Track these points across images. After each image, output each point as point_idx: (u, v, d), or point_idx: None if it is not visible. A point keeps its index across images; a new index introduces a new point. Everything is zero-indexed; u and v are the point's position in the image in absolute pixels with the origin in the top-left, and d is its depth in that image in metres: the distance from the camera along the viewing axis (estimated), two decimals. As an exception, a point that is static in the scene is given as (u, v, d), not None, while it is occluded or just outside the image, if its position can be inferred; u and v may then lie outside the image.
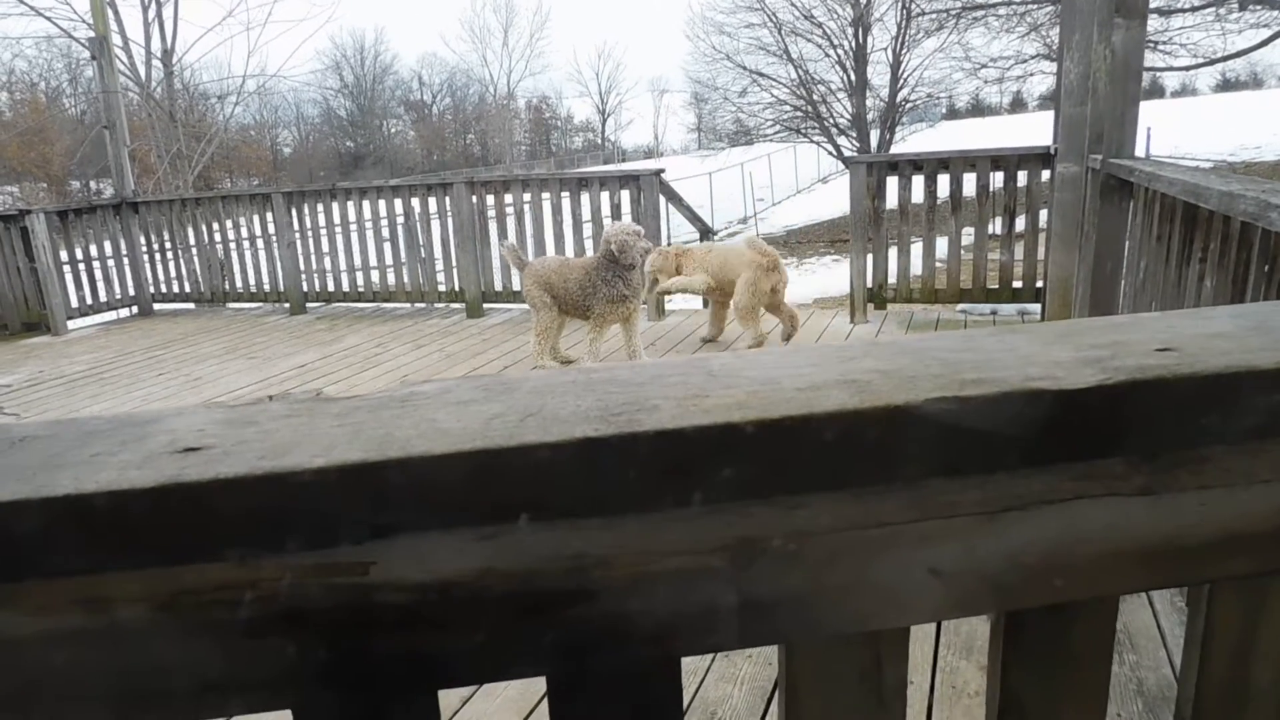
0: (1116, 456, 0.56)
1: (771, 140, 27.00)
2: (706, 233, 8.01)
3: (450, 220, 7.64)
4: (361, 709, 0.56)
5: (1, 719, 0.51)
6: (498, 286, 7.65)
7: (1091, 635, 0.64)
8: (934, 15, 22.35)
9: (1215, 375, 0.54)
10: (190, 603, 0.50)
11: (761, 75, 25.23)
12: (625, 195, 7.09)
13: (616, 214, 7.13)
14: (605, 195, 7.15)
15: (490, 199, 7.57)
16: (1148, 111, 4.20)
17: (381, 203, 8.00)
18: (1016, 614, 0.62)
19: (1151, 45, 17.20)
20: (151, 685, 0.51)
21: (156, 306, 9.19)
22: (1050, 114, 5.88)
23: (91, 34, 9.39)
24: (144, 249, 9.10)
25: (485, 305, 7.67)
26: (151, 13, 19.07)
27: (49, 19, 17.47)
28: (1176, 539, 0.59)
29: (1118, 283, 3.99)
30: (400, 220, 7.93)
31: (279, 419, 0.55)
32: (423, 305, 8.06)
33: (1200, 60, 18.56)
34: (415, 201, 7.87)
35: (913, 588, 0.57)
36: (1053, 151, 5.49)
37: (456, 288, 7.77)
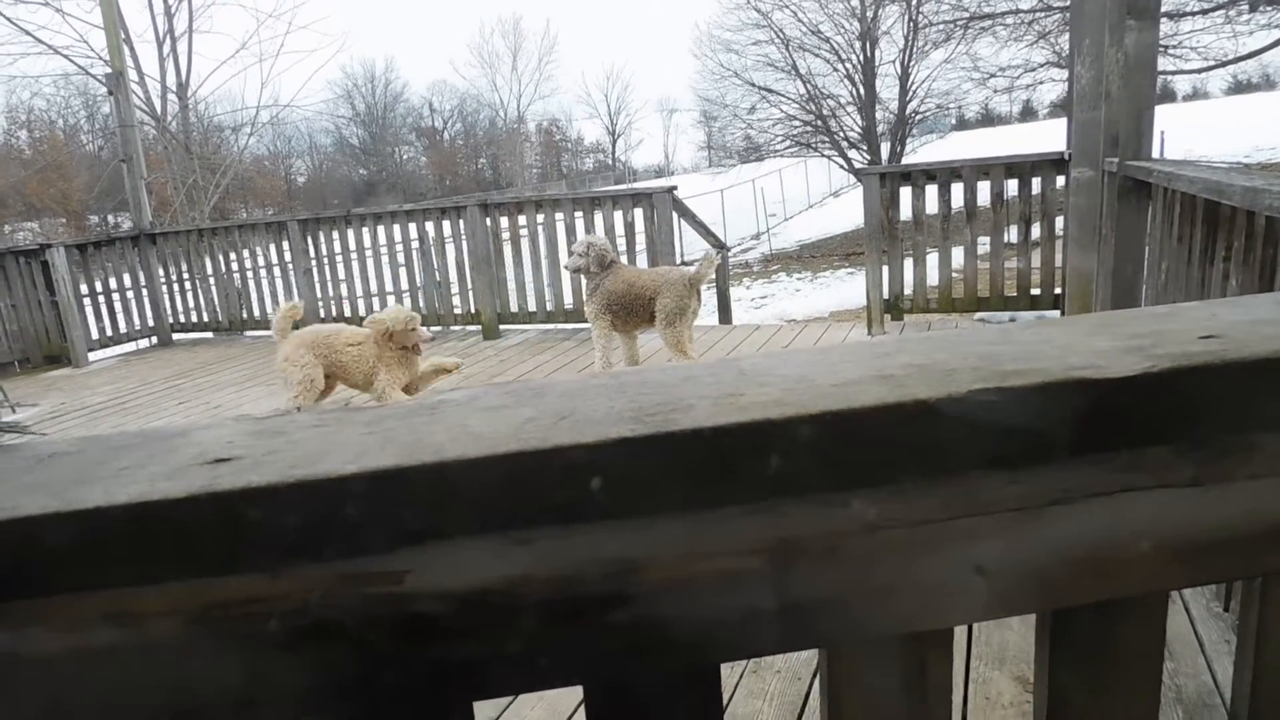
0: (1164, 446, 0.55)
1: (782, 155, 27.05)
2: (720, 248, 8.00)
3: (465, 243, 7.67)
4: (397, 722, 0.55)
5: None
6: (514, 308, 7.68)
7: (1141, 632, 0.62)
8: (941, 27, 22.38)
9: (1264, 360, 0.53)
10: (222, 615, 0.49)
11: (770, 91, 25.30)
12: (638, 213, 7.10)
13: (630, 232, 7.15)
14: (619, 214, 7.17)
15: (504, 221, 7.60)
16: (1159, 116, 4.16)
17: (396, 228, 8.04)
18: (1064, 612, 0.61)
19: (1162, 49, 17.10)
20: (185, 701, 0.50)
21: (175, 336, 9.26)
22: (1061, 121, 5.86)
23: (108, 70, 9.51)
24: (162, 280, 9.18)
25: (501, 327, 7.69)
26: (166, 48, 19.35)
27: (67, 57, 17.72)
28: (1227, 531, 0.57)
29: (1139, 285, 3.96)
30: (415, 244, 7.97)
31: (307, 429, 0.55)
32: (439, 328, 8.08)
33: (1211, 63, 18.46)
34: (429, 225, 7.91)
35: (957, 586, 0.55)
36: (1067, 157, 5.47)
37: (473, 310, 7.80)
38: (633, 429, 0.49)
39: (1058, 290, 5.89)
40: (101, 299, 8.86)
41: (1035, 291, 6.06)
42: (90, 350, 8.54)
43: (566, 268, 5.91)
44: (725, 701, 2.24)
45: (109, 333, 8.88)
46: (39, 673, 0.48)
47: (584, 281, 5.82)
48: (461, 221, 7.66)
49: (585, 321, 5.86)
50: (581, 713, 0.58)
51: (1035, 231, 5.99)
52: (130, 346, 9.05)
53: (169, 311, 9.24)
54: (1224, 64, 18.63)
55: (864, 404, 0.50)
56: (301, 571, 0.49)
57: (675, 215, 7.14)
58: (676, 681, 0.57)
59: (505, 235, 7.61)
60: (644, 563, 0.51)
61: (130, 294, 9.05)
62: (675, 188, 7.15)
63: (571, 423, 0.51)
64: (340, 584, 0.49)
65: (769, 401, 0.52)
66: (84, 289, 8.68)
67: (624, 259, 7.08)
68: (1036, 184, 5.92)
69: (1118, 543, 0.56)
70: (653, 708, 0.58)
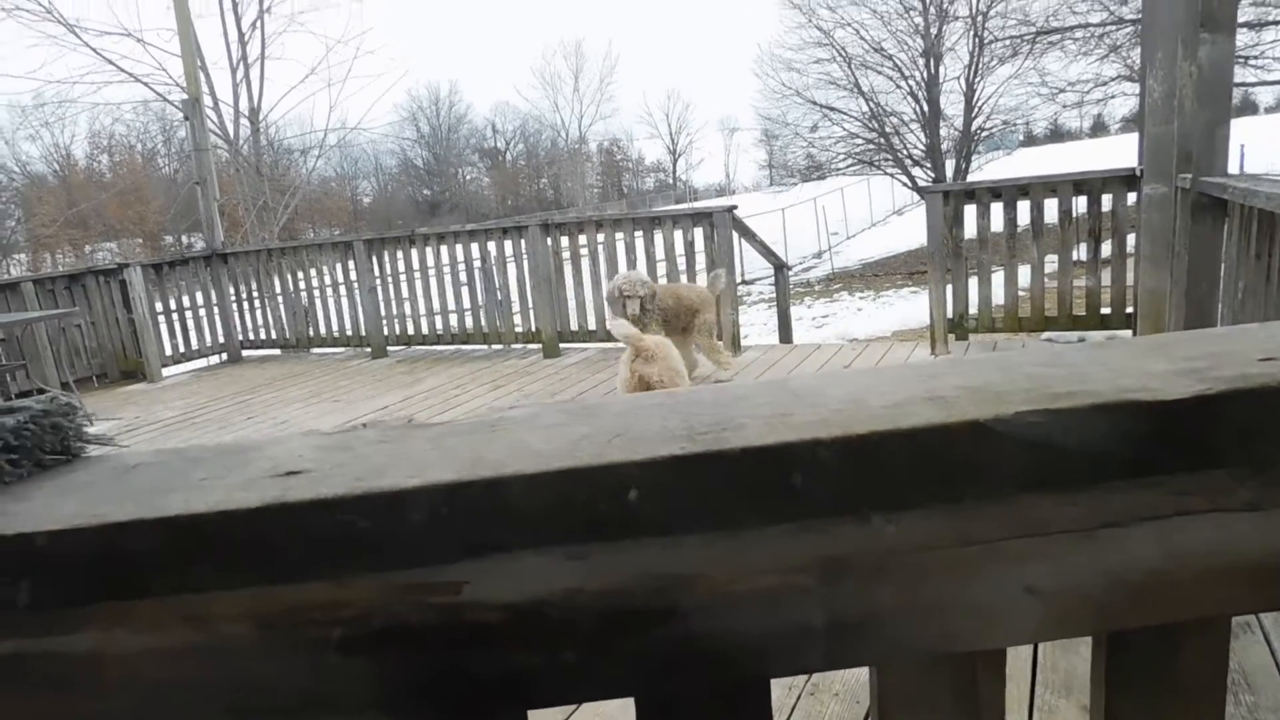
0: (1219, 470, 0.54)
1: (844, 174, 26.81)
2: (781, 268, 7.98)
3: (526, 262, 7.77)
4: (455, 729, 0.56)
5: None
6: (573, 326, 7.74)
7: (1202, 659, 0.61)
8: (1008, 41, 22.05)
9: (1324, 383, 0.52)
10: (290, 621, 0.51)
11: (832, 109, 25.14)
12: (698, 233, 7.12)
13: (690, 251, 7.17)
14: (679, 233, 7.19)
15: (565, 240, 7.69)
16: (1239, 129, 4.06)
17: (459, 247, 8.18)
18: (1120, 635, 0.60)
19: (1242, 60, 16.60)
20: (253, 702, 0.53)
21: (245, 353, 9.53)
22: (1134, 136, 5.74)
23: (185, 96, 9.87)
24: (233, 298, 9.47)
25: (561, 345, 7.76)
26: (240, 74, 20.02)
27: (146, 84, 18.50)
28: (1289, 556, 0.56)
29: (1214, 304, 3.85)
30: (477, 264, 8.10)
31: (373, 444, 0.57)
32: (500, 347, 8.18)
33: (1295, 74, 17.84)
34: (491, 245, 8.03)
35: (1008, 607, 0.55)
36: (1138, 173, 5.35)
37: (533, 328, 7.88)
38: (684, 447, 0.50)
39: (1129, 310, 5.75)
40: (175, 316, 9.18)
41: (1105, 311, 5.92)
42: (164, 366, 8.84)
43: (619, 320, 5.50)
44: (782, 723, 2.22)
45: (182, 349, 9.19)
46: (122, 671, 0.51)
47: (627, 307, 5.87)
48: (523, 241, 7.76)
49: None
50: (633, 725, 0.59)
51: (1105, 249, 5.86)
52: (202, 363, 9.34)
53: (239, 329, 9.51)
54: (1308, 75, 17.99)
55: (913, 425, 0.51)
56: (365, 580, 0.51)
57: (735, 234, 7.13)
58: (726, 695, 0.58)
59: (566, 254, 7.70)
60: (695, 578, 0.53)
61: (202, 312, 9.35)
62: (735, 207, 7.15)
63: (625, 440, 0.53)
64: (401, 593, 0.51)
65: (819, 421, 0.52)
66: (159, 307, 8.99)
67: (684, 279, 7.12)
68: (1107, 201, 5.80)
69: (1174, 566, 0.56)
70: (703, 721, 0.59)
